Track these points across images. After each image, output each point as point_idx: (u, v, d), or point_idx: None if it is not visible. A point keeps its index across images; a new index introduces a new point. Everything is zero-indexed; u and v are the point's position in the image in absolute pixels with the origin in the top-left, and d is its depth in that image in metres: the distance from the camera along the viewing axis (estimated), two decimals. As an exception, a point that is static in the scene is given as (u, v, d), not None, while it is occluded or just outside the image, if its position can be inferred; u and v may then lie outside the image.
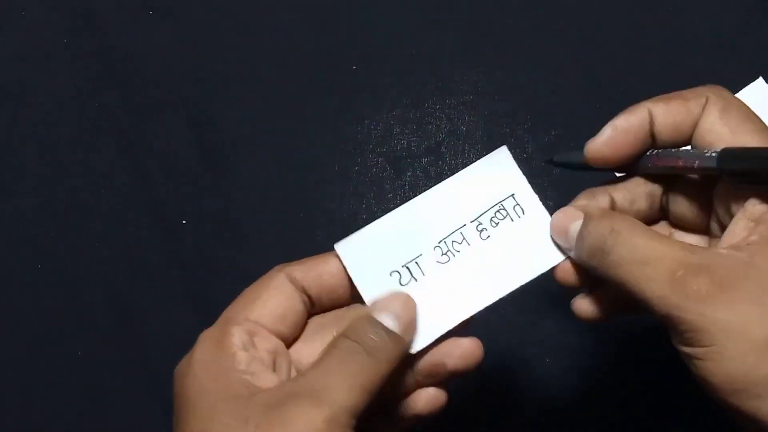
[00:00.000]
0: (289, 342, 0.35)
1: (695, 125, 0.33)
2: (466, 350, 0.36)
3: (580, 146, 0.36)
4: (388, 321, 0.33)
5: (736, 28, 0.56)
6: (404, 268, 0.36)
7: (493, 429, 0.50)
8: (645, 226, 0.32)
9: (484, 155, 0.38)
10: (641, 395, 0.50)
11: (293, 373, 0.34)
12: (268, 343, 0.33)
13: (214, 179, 0.55)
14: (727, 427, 0.50)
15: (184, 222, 0.55)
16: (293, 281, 0.35)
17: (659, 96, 0.34)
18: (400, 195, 0.54)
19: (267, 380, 0.32)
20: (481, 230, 0.36)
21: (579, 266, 0.35)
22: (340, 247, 0.36)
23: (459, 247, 0.36)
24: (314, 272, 0.35)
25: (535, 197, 0.37)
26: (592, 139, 0.35)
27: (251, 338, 0.33)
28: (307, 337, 0.36)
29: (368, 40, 0.58)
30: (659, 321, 0.30)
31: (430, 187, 0.37)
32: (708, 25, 0.56)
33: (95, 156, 0.56)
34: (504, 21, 0.57)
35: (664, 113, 0.34)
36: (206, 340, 0.33)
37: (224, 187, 0.55)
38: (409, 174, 0.55)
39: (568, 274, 0.36)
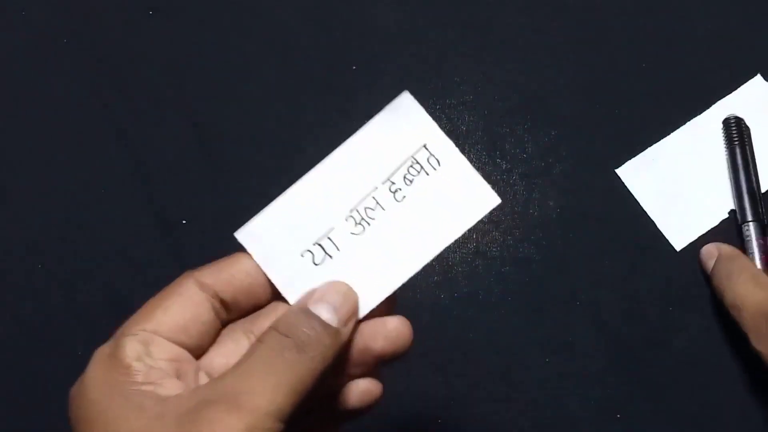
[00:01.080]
0: (197, 354, 0.32)
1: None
2: (392, 331, 0.32)
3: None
4: (325, 313, 0.30)
5: (736, 28, 0.56)
6: (316, 245, 0.33)
7: (492, 429, 0.50)
8: (755, 268, 0.47)
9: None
10: (642, 396, 0.50)
11: (203, 381, 0.31)
12: (166, 352, 0.30)
13: (214, 179, 0.55)
14: (724, 429, 0.50)
15: (184, 222, 0.55)
16: (203, 287, 0.32)
17: None
18: (400, 195, 0.54)
19: (172, 388, 0.29)
20: (395, 191, 0.33)
21: None
22: (242, 234, 0.33)
23: (373, 214, 0.33)
24: (225, 274, 0.32)
25: (450, 143, 0.33)
26: None
27: (146, 348, 0.30)
28: (219, 342, 0.32)
29: (368, 40, 0.58)
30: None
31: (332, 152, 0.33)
32: (708, 25, 0.56)
33: (95, 156, 0.56)
34: (504, 21, 0.57)
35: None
36: (97, 356, 0.30)
37: (224, 187, 0.55)
38: (409, 174, 0.55)
39: None
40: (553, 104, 0.56)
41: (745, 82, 0.54)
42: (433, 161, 0.33)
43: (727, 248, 0.49)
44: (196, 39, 0.58)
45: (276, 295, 0.33)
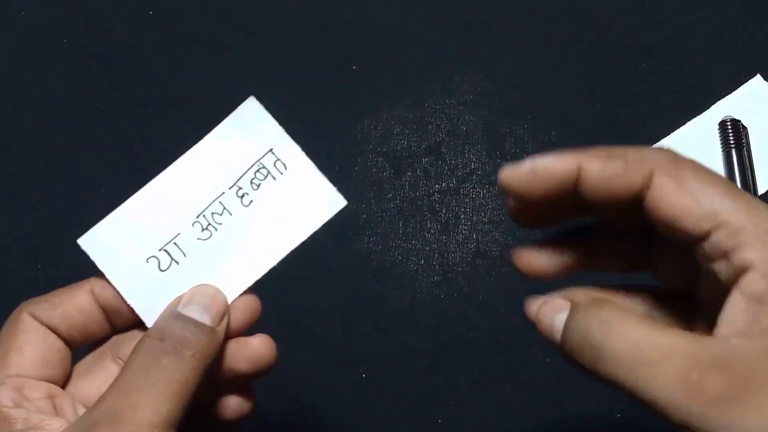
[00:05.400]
0: (63, 382, 0.32)
1: (636, 194, 0.27)
2: (254, 352, 0.32)
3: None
4: (197, 314, 0.30)
5: (736, 28, 0.56)
6: (162, 251, 0.33)
7: (492, 429, 0.50)
8: (640, 316, 0.27)
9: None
10: (641, 395, 0.50)
11: (80, 411, 0.31)
12: (40, 391, 0.30)
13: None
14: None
15: (184, 222, 0.55)
16: (40, 321, 0.32)
17: (596, 149, 0.28)
18: (400, 195, 0.54)
19: (54, 427, 0.29)
20: (242, 195, 0.33)
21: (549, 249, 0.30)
22: (85, 241, 0.33)
23: (220, 219, 0.33)
24: (60, 310, 0.32)
25: (296, 147, 0.33)
26: (510, 165, 0.29)
27: (20, 392, 0.30)
28: (85, 371, 0.33)
29: (368, 40, 0.58)
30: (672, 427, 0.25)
31: (184, 155, 0.34)
32: (708, 25, 0.56)
33: (95, 156, 0.56)
34: (504, 21, 0.57)
35: (599, 172, 0.28)
36: None
37: (224, 187, 0.55)
38: (409, 174, 0.55)
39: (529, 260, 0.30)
40: (553, 104, 0.56)
41: (745, 82, 0.54)
42: (279, 165, 0.33)
43: (584, 294, 0.30)
44: (196, 39, 0.58)
45: (120, 329, 0.33)
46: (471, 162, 0.55)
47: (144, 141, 0.56)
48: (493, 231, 0.54)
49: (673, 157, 0.27)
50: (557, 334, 0.28)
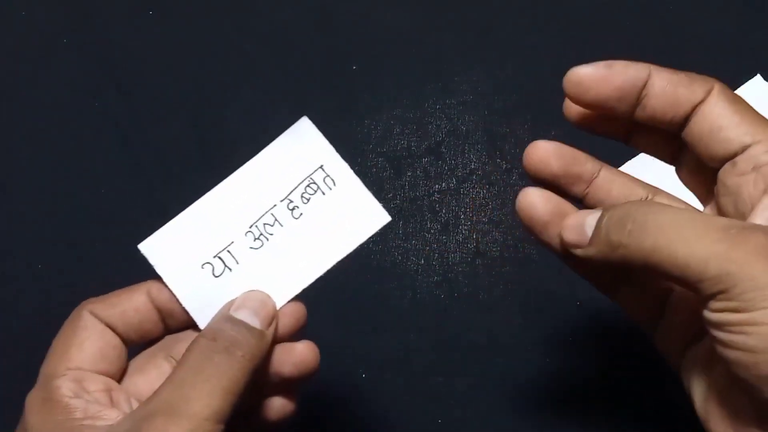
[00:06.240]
0: (119, 377, 0.34)
1: (693, 107, 0.32)
2: (298, 357, 0.34)
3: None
4: (248, 317, 0.32)
5: (736, 28, 0.56)
6: (216, 258, 0.35)
7: (492, 429, 0.50)
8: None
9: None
10: (642, 395, 0.50)
11: (134, 405, 0.33)
12: (98, 384, 0.32)
13: (214, 179, 0.55)
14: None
15: (184, 222, 0.55)
16: (100, 319, 0.34)
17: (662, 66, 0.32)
18: (400, 195, 0.54)
19: (110, 417, 0.30)
20: (293, 208, 0.35)
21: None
22: (145, 246, 0.35)
23: (272, 230, 0.35)
24: (118, 309, 0.34)
25: (345, 165, 0.35)
26: (579, 66, 0.34)
27: (80, 384, 0.32)
28: (139, 368, 0.35)
29: (368, 40, 0.58)
30: (703, 288, 0.26)
31: (237, 170, 0.36)
32: (708, 25, 0.56)
33: (95, 156, 0.56)
34: (504, 21, 0.58)
35: (667, 81, 0.32)
36: (33, 402, 0.32)
37: (224, 187, 0.55)
38: (409, 174, 0.55)
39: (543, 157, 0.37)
40: (553, 104, 0.56)
41: (745, 82, 0.54)
42: (329, 181, 0.35)
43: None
44: (196, 39, 0.58)
45: (173, 329, 0.35)
46: (471, 162, 0.55)
47: (144, 141, 0.56)
48: (493, 231, 0.54)
49: (726, 86, 0.31)
50: (588, 230, 0.31)
